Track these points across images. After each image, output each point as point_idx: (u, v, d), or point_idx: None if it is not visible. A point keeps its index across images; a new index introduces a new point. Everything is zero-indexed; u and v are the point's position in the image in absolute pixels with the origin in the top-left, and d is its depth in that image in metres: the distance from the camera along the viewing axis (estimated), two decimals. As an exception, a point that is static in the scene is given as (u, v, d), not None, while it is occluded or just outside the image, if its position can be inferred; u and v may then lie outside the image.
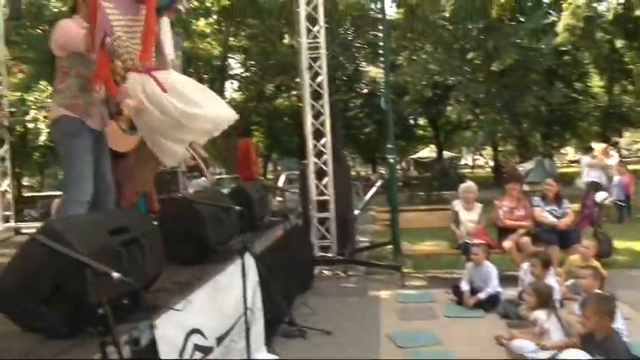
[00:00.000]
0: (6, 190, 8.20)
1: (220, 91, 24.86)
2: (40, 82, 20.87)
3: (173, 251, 3.09)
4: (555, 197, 6.43)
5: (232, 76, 27.19)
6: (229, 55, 25.13)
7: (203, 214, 3.30)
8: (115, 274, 1.67)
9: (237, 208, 3.32)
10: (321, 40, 7.13)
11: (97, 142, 3.70)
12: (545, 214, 6.29)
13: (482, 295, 5.24)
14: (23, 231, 6.43)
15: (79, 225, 2.13)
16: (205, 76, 24.63)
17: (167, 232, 3.00)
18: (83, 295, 2.00)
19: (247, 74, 26.66)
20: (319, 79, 7.14)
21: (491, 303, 5.19)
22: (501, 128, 20.49)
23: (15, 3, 8.45)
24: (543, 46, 18.97)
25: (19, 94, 19.98)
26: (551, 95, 19.75)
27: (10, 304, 2.10)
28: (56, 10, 18.20)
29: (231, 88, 28.36)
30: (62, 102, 3.58)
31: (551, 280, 4.90)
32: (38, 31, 18.74)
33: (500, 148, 29.97)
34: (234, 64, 27.08)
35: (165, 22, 5.14)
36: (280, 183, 15.66)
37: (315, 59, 7.16)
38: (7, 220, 8.16)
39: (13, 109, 13.48)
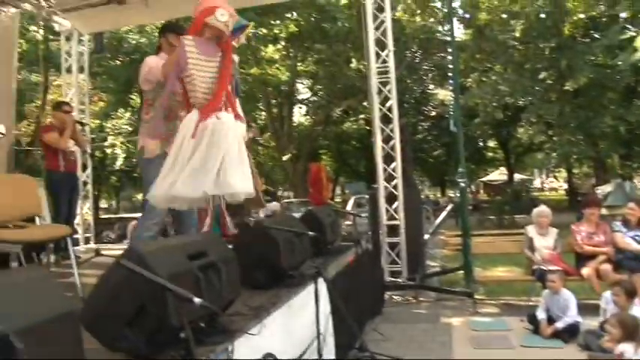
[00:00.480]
0: (87, 213, 8.61)
1: (289, 116, 25.28)
2: (118, 111, 21.89)
3: (247, 275, 3.13)
4: (638, 222, 6.11)
5: (300, 101, 27.59)
6: (297, 80, 25.53)
7: (277, 239, 3.34)
8: (197, 300, 1.70)
9: (311, 233, 3.34)
10: (390, 64, 7.14)
11: None
12: (628, 240, 5.96)
13: (560, 325, 5.02)
14: (103, 252, 6.69)
15: (161, 249, 2.20)
16: (274, 101, 25.12)
17: (241, 256, 3.04)
18: (164, 318, 2.05)
19: (315, 99, 26.99)
20: (389, 103, 7.13)
21: (570, 333, 4.96)
22: (576, 150, 19.76)
23: (99, 38, 8.95)
24: (620, 63, 18.24)
25: (98, 121, 20.97)
26: (631, 114, 18.86)
27: (96, 324, 2.18)
28: (134, 42, 19.05)
29: (299, 112, 28.78)
30: (147, 131, 3.84)
31: (637, 310, 4.64)
32: (117, 62, 19.70)
33: (575, 170, 28.96)
34: (302, 89, 27.48)
35: None
36: (349, 207, 15.61)
37: (384, 83, 7.16)
38: (87, 241, 8.54)
39: (93, 136, 14.19)
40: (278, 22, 20.84)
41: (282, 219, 4.19)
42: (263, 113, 26.25)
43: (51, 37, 15.20)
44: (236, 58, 4.93)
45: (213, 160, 3.35)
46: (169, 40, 4.01)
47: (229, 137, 3.48)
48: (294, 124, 27.26)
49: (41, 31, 14.65)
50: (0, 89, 7.24)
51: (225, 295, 2.50)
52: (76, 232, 7.63)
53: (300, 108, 28.44)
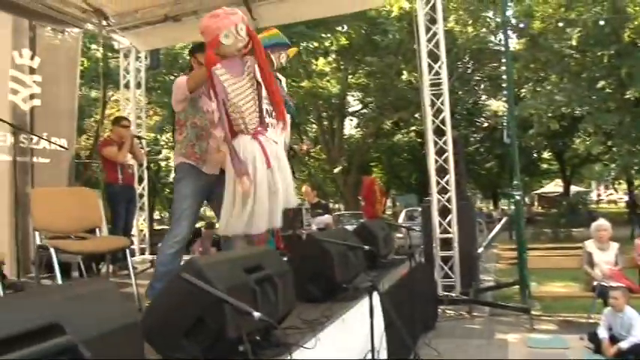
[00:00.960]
0: (142, 224, 8.84)
1: (339, 129, 25.34)
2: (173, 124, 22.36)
3: (300, 288, 3.14)
4: None
5: (351, 113, 27.63)
6: (348, 92, 25.60)
7: (331, 252, 3.34)
8: (256, 314, 1.72)
9: (366, 247, 3.33)
10: (443, 76, 7.07)
11: (214, 186, 3.93)
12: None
13: (624, 345, 4.80)
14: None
15: (219, 263, 2.24)
16: (324, 113, 25.24)
17: (295, 269, 3.06)
18: (222, 331, 2.08)
19: (366, 111, 26.98)
20: (442, 115, 7.06)
21: (635, 354, 4.73)
22: (637, 161, 19.04)
23: (155, 55, 9.23)
24: (686, 68, 17.46)
25: (153, 135, 21.51)
26: (699, 122, 18.03)
27: (155, 334, 2.22)
28: (188, 58, 19.44)
29: (349, 125, 28.82)
30: (180, 151, 3.92)
31: None
32: (172, 77, 20.18)
33: (636, 182, 27.91)
34: (353, 102, 27.51)
35: None
36: (400, 219, 15.53)
37: (437, 95, 7.10)
38: (142, 252, 8.76)
39: (148, 149, 14.58)
40: (329, 35, 20.94)
41: (336, 232, 4.19)
42: (314, 126, 26.41)
43: (110, 54, 15.73)
44: (282, 78, 5.00)
45: (282, 182, 3.46)
46: (199, 60, 4.01)
47: (283, 154, 3.64)
48: (345, 137, 27.31)
49: (101, 49, 15.20)
50: (64, 105, 7.53)
51: (281, 308, 2.52)
52: (132, 243, 7.83)
53: (351, 120, 28.49)
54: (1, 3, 6.68)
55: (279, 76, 4.13)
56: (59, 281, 3.98)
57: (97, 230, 4.54)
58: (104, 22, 8.14)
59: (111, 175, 6.67)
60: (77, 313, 1.48)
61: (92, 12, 7.90)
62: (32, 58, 7.09)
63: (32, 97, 7.08)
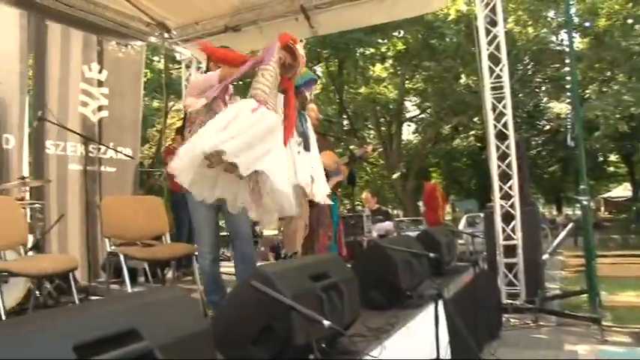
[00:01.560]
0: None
1: (397, 134, 25.19)
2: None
3: (364, 296, 3.12)
4: None
5: (409, 119, 27.41)
6: (406, 97, 25.43)
7: (395, 260, 3.32)
8: (326, 322, 1.71)
9: (431, 255, 3.29)
10: (505, 79, 6.92)
11: None
12: None
13: None
14: (222, 269, 6.92)
15: (285, 271, 2.25)
16: (382, 119, 25.14)
17: (359, 276, 3.04)
18: (290, 338, 2.09)
19: (424, 116, 26.72)
20: (504, 119, 6.91)
21: None
22: None
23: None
24: None
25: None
26: None
27: (223, 341, 2.25)
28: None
29: (407, 130, 28.60)
30: None
31: None
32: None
33: None
34: (411, 107, 27.30)
35: None
36: (461, 226, 15.25)
37: (498, 99, 6.95)
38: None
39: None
40: (385, 40, 20.87)
41: (400, 239, 4.16)
42: (372, 132, 26.34)
43: (171, 65, 16.20)
44: (314, 106, 5.06)
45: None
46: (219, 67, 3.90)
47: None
48: (403, 142, 27.12)
49: (163, 61, 15.65)
50: (129, 116, 7.81)
51: (347, 316, 2.51)
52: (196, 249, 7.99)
53: (409, 126, 28.26)
54: (74, 21, 6.99)
55: (313, 106, 4.20)
56: (128, 286, 4.10)
57: (163, 237, 4.66)
58: (166, 35, 8.37)
59: (175, 183, 6.82)
60: (153, 320, 1.52)
61: (155, 25, 8.17)
62: (100, 71, 7.38)
63: (100, 108, 7.37)
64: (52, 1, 6.74)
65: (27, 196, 5.53)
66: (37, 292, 4.63)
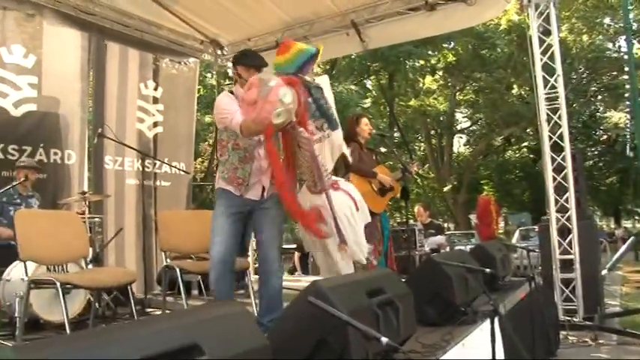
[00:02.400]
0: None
1: (448, 147, 24.93)
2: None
3: (418, 311, 3.09)
4: None
5: (460, 131, 27.10)
6: (456, 109, 25.17)
7: (450, 275, 3.27)
8: (384, 339, 1.71)
9: (487, 270, 3.23)
10: (560, 89, 6.76)
11: (256, 214, 3.66)
12: None
13: None
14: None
15: (341, 286, 2.25)
16: (433, 132, 24.94)
17: (413, 292, 3.02)
18: (345, 354, 2.09)
19: (475, 128, 26.37)
20: (559, 130, 6.75)
21: None
22: None
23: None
24: None
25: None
26: None
27: (278, 355, 2.27)
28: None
29: (458, 142, 28.26)
30: (222, 175, 3.63)
31: None
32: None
33: None
34: (462, 119, 26.99)
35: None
36: (514, 239, 14.95)
37: (553, 110, 6.80)
38: (256, 272, 8.97)
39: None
40: (435, 52, 20.75)
41: (454, 254, 4.10)
42: (422, 144, 26.15)
43: (223, 81, 16.49)
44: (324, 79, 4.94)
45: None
46: (239, 72, 3.70)
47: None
48: (454, 155, 26.82)
49: (215, 77, 15.96)
50: (183, 131, 8.00)
51: (402, 332, 2.49)
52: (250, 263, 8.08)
53: (460, 138, 27.93)
54: (131, 41, 7.25)
55: (320, 80, 3.87)
56: (184, 300, 4.18)
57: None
58: (219, 52, 8.56)
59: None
60: (213, 334, 1.54)
61: (208, 43, 8.36)
62: (156, 88, 7.61)
63: (155, 124, 7.58)
64: (110, 22, 7.00)
65: (87, 210, 5.71)
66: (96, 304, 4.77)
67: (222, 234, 3.52)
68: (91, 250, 4.98)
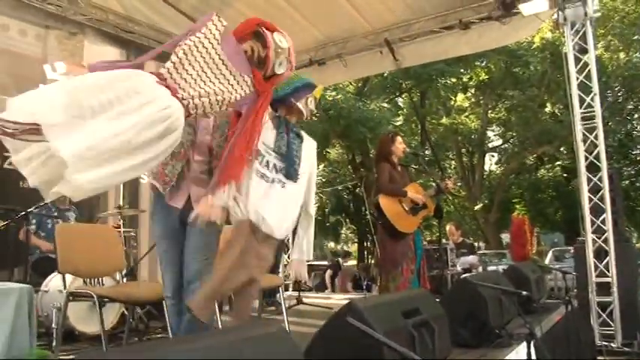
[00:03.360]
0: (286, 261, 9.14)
1: (480, 165, 24.71)
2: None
3: (452, 332, 3.06)
4: None
5: (492, 149, 26.83)
6: (488, 127, 24.96)
7: (485, 297, 3.25)
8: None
9: (523, 293, 3.19)
10: (596, 109, 6.68)
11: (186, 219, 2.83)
12: None
13: None
14: (304, 300, 6.99)
15: (378, 306, 2.25)
16: (464, 150, 24.76)
17: (446, 312, 3.00)
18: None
19: (507, 146, 26.09)
20: (596, 150, 6.65)
21: None
22: None
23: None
24: None
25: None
26: None
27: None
28: (330, 98, 19.96)
29: (490, 160, 27.97)
30: None
31: None
32: (314, 117, 20.86)
33: None
34: (493, 137, 26.74)
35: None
36: (547, 260, 14.70)
37: (589, 129, 6.70)
38: (286, 288, 9.01)
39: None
40: (467, 70, 20.66)
41: (488, 275, 4.06)
42: (453, 162, 25.97)
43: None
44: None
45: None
46: None
47: None
48: (486, 173, 26.54)
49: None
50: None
51: (437, 353, 2.48)
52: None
53: (492, 156, 27.63)
54: (166, 57, 7.37)
55: (307, 140, 3.25)
56: (217, 316, 4.20)
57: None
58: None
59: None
60: (253, 354, 1.56)
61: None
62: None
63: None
64: (149, 40, 7.16)
65: (122, 224, 5.80)
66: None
67: (172, 264, 2.97)
68: (125, 263, 5.07)
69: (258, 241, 2.81)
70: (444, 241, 7.78)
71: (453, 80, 21.27)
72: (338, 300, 7.94)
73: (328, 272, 13.85)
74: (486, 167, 26.83)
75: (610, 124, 23.08)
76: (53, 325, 4.29)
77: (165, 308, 3.77)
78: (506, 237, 23.58)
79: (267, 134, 2.95)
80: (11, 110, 2.09)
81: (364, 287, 10.74)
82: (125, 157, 2.14)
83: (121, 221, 5.79)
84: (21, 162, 2.22)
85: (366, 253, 23.94)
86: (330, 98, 20.10)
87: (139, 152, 2.18)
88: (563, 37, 6.95)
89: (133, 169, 2.22)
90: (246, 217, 2.74)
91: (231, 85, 2.52)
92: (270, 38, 2.69)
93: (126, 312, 4.72)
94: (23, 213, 4.90)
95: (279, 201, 2.88)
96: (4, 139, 2.15)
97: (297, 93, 3.11)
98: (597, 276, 6.59)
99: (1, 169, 5.68)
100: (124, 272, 4.81)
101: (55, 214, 5.72)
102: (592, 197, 6.67)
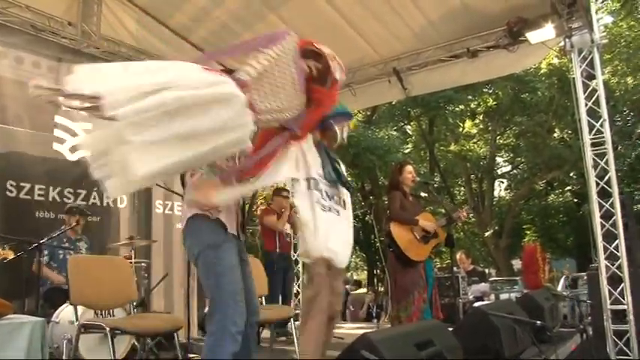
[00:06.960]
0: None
1: (489, 191, 24.62)
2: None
3: (467, 363, 3.04)
4: None
5: (501, 175, 26.76)
6: (497, 153, 24.93)
7: (498, 326, 3.22)
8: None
9: (538, 322, 3.16)
10: (606, 134, 6.66)
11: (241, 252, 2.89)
12: None
13: None
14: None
15: (390, 338, 2.24)
16: (473, 176, 24.71)
17: (460, 342, 2.97)
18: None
19: (516, 172, 26.02)
20: (607, 176, 6.61)
21: None
22: None
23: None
24: None
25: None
26: None
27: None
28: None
29: (499, 186, 27.87)
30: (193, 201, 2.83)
31: None
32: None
33: None
34: (502, 163, 26.69)
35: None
36: (559, 287, 14.52)
37: (599, 155, 6.68)
38: (298, 318, 8.94)
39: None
40: (475, 97, 20.72)
41: (501, 304, 4.03)
42: (462, 189, 25.90)
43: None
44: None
45: None
46: None
47: None
48: (495, 199, 26.42)
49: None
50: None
51: (453, 385, 2.46)
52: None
53: (502, 182, 27.54)
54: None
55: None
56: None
57: (263, 299, 4.75)
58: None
59: (270, 244, 6.98)
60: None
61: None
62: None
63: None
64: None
65: (133, 254, 5.81)
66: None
67: (239, 302, 2.69)
68: (137, 294, 5.07)
69: (331, 277, 2.61)
70: (455, 269, 7.73)
71: (461, 107, 21.33)
72: (349, 329, 7.87)
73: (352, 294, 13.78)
74: (496, 193, 26.72)
75: (620, 148, 23.00)
76: (64, 357, 4.28)
77: (176, 339, 3.77)
78: (517, 263, 23.38)
79: (316, 162, 2.85)
80: (74, 81, 2.14)
81: (374, 315, 10.68)
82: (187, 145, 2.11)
83: (133, 252, 5.80)
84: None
85: (375, 280, 23.78)
86: (340, 127, 20.13)
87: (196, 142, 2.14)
88: (570, 63, 6.97)
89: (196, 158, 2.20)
90: (320, 255, 2.56)
91: (295, 103, 2.51)
92: (322, 48, 2.65)
93: (136, 343, 4.71)
94: (35, 245, 4.91)
95: (340, 230, 2.74)
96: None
97: (337, 117, 3.05)
98: (612, 303, 6.48)
99: (17, 199, 5.76)
100: (134, 303, 4.80)
101: (67, 244, 5.74)
102: (604, 223, 6.60)
